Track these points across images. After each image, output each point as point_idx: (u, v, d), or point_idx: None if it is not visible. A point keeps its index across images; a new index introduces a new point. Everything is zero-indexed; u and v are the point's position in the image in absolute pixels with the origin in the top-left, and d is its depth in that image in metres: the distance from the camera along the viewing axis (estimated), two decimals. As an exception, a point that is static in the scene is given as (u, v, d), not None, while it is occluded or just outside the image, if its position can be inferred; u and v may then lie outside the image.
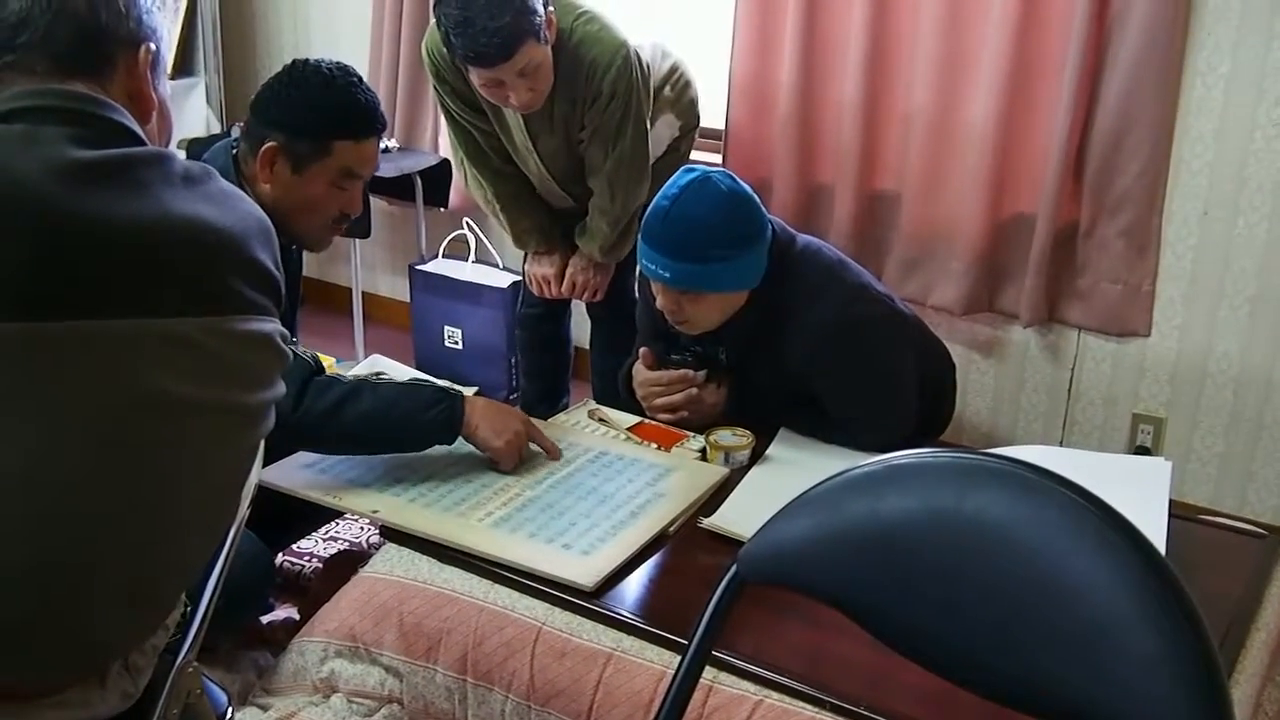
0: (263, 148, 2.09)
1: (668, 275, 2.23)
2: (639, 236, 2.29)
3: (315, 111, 2.10)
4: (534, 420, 2.29)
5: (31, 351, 1.17)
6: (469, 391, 2.30)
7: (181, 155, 1.35)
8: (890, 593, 1.15)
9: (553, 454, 2.23)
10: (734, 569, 1.25)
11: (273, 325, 1.36)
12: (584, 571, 1.88)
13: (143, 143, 1.32)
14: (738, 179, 2.27)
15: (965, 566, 1.10)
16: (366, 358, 3.91)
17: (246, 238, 1.33)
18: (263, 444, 1.41)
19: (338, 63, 2.17)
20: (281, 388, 1.40)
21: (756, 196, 2.28)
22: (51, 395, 1.17)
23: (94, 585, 1.22)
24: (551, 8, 2.60)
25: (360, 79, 2.17)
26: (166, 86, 1.43)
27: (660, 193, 2.26)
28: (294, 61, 2.18)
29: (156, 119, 1.40)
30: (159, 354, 1.22)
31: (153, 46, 1.37)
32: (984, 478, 1.11)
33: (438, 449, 2.19)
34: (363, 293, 4.04)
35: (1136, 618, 1.00)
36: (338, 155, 2.11)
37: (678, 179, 2.24)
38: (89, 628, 1.24)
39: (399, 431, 2.12)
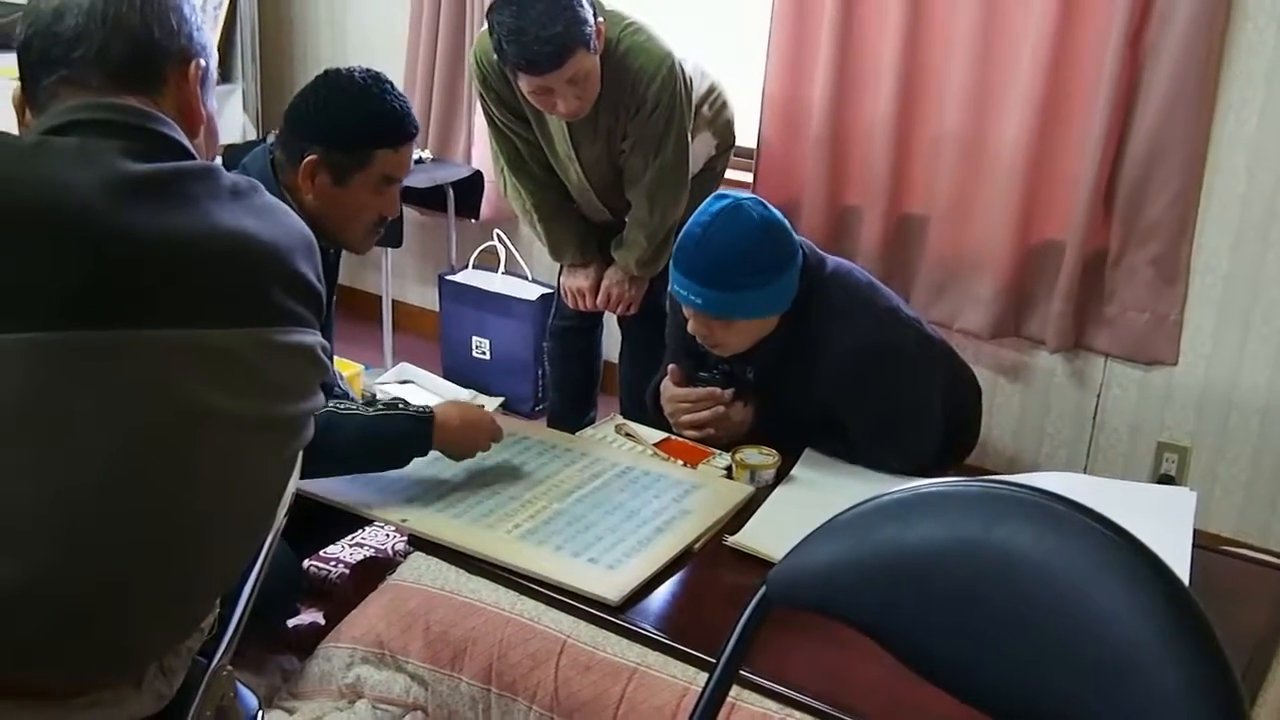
0: (303, 160, 2.12)
1: (700, 302, 2.25)
2: (670, 261, 2.31)
3: (354, 124, 2.13)
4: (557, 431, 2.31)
5: (79, 358, 1.20)
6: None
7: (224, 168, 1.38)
8: (917, 619, 1.17)
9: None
10: (763, 591, 1.27)
11: (314, 337, 1.39)
12: (610, 586, 1.90)
13: (192, 156, 1.35)
14: (769, 205, 2.29)
15: (992, 595, 1.11)
16: (395, 366, 3.96)
17: (290, 251, 1.36)
18: (300, 454, 1.44)
19: (369, 70, 2.19)
20: (321, 399, 1.43)
21: (787, 221, 2.30)
22: (95, 403, 1.20)
23: (132, 592, 1.25)
24: (602, 18, 2.64)
25: (391, 84, 2.19)
26: (215, 101, 1.47)
27: (692, 219, 2.28)
28: (326, 72, 2.21)
29: (205, 133, 1.44)
30: (202, 365, 1.25)
31: (203, 62, 1.41)
32: (1012, 508, 1.13)
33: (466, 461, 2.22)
34: (392, 301, 4.07)
35: (1161, 653, 1.01)
36: (378, 164, 2.15)
37: (709, 206, 2.27)
38: (126, 632, 1.26)
39: (379, 454, 2.15)
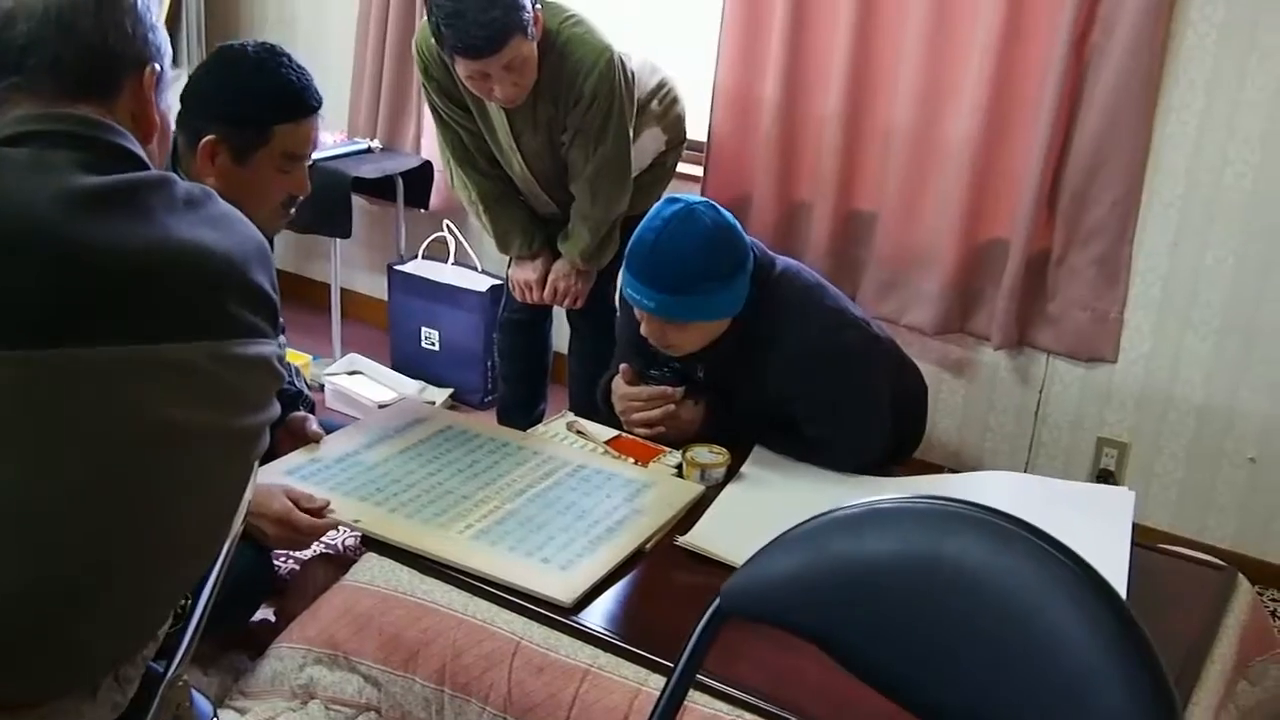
0: (201, 141, 2.04)
1: (652, 306, 2.27)
2: (623, 265, 2.32)
3: (250, 99, 2.06)
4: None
5: (31, 379, 1.19)
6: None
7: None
8: (869, 633, 1.19)
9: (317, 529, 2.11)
10: (717, 603, 1.29)
11: (271, 348, 1.39)
12: (562, 587, 1.92)
13: (146, 166, 1.34)
14: (721, 209, 2.31)
15: (942, 611, 1.14)
16: (344, 355, 3.95)
17: (246, 261, 1.36)
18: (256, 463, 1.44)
19: (264, 44, 2.13)
20: (277, 409, 1.43)
21: (738, 224, 2.32)
22: (50, 421, 1.20)
23: (88, 605, 1.25)
24: (539, 6, 2.64)
25: (289, 57, 2.12)
26: (170, 99, 1.46)
27: (643, 224, 2.29)
28: (219, 48, 2.15)
29: (158, 138, 1.43)
30: (159, 380, 1.25)
31: (157, 66, 1.39)
32: (964, 526, 1.16)
33: (415, 459, 2.22)
34: (341, 289, 4.05)
35: (1106, 671, 1.05)
36: (278, 140, 2.07)
37: (661, 210, 2.28)
38: (82, 644, 1.26)
39: None
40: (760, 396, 2.40)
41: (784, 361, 2.33)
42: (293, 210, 2.20)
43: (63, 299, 1.20)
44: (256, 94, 2.06)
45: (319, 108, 2.15)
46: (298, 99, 2.10)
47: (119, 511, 1.24)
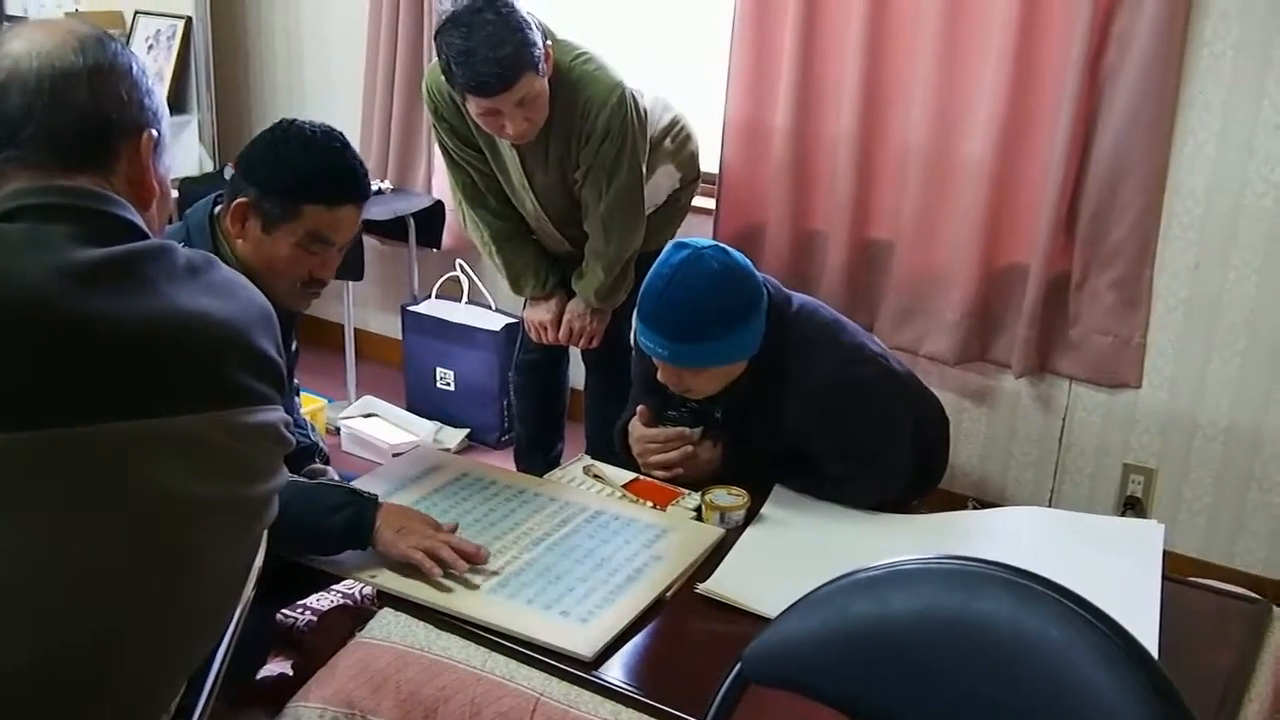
0: (234, 202, 2.06)
1: (666, 354, 2.25)
2: (635, 311, 2.30)
3: (288, 172, 2.06)
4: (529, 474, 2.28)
5: (36, 459, 1.17)
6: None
7: (181, 247, 1.34)
8: (894, 697, 1.16)
9: (476, 558, 2.04)
10: (738, 668, 1.25)
11: (277, 414, 1.37)
12: (582, 641, 1.88)
13: (145, 235, 1.32)
14: (730, 251, 2.28)
15: (970, 676, 1.11)
16: (359, 397, 3.93)
17: (249, 327, 1.34)
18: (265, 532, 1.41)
19: (325, 126, 2.13)
20: (285, 476, 1.41)
21: (749, 263, 2.29)
22: (57, 500, 1.18)
23: (98, 680, 1.22)
24: (550, 42, 2.63)
25: (345, 144, 2.12)
26: (168, 165, 1.44)
27: (652, 271, 2.27)
28: (282, 121, 2.15)
29: (157, 203, 1.41)
30: (165, 453, 1.23)
31: (154, 132, 1.37)
32: (988, 587, 1.13)
33: (431, 509, 2.19)
34: (355, 330, 4.04)
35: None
36: (307, 218, 2.06)
37: (669, 257, 2.25)
38: None
39: (295, 536, 1.89)
40: (779, 435, 2.36)
41: (803, 399, 2.30)
42: (317, 293, 2.17)
43: (61, 375, 1.18)
44: (297, 169, 2.06)
45: (362, 200, 2.13)
46: (336, 183, 2.08)
47: (127, 587, 1.22)
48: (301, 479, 2.08)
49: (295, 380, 2.35)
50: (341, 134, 2.14)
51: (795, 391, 2.31)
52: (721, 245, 2.29)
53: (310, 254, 2.09)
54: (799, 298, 2.42)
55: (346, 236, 2.13)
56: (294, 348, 2.32)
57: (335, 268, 2.16)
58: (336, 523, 2.02)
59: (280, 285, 2.09)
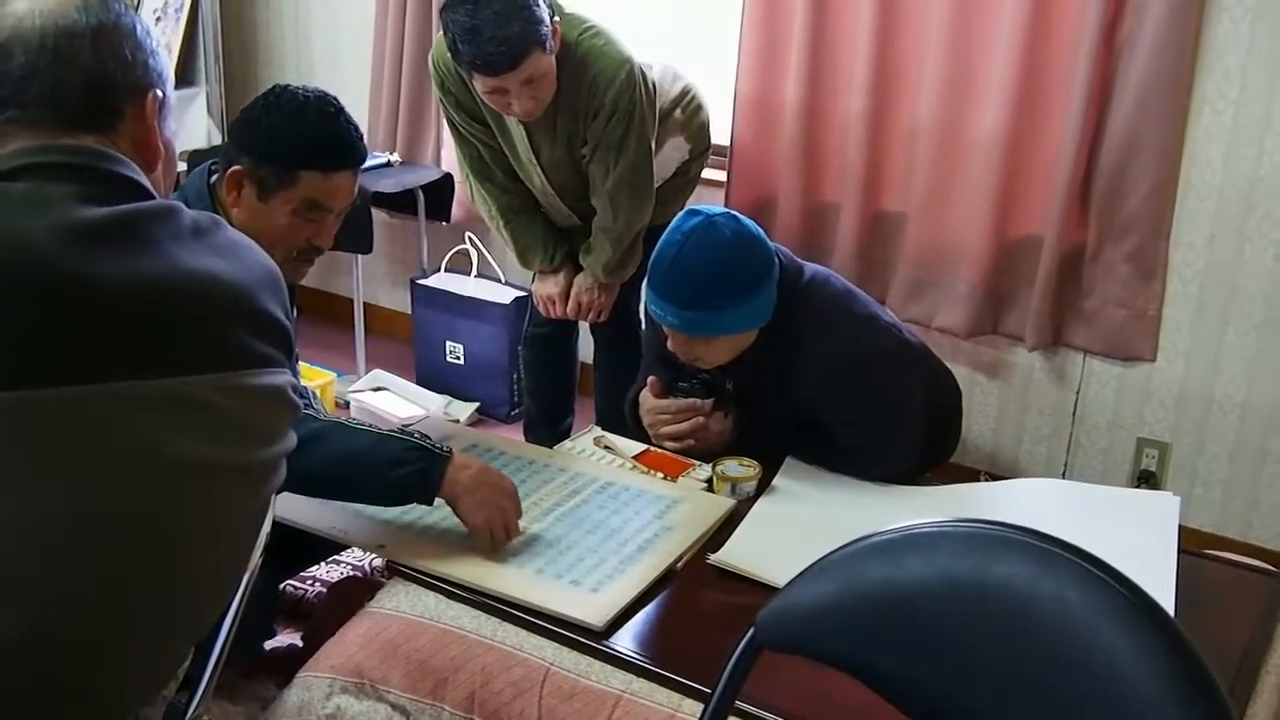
0: (229, 170, 2.03)
1: (676, 322, 2.23)
2: (645, 281, 2.28)
3: (283, 139, 2.02)
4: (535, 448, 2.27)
5: (30, 420, 1.15)
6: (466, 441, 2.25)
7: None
8: (910, 663, 1.14)
9: (512, 530, 2.04)
10: (751, 633, 1.24)
11: (284, 377, 1.35)
12: (593, 610, 1.87)
13: (151, 195, 1.30)
14: (742, 218, 2.25)
15: (987, 640, 1.09)
16: (368, 371, 3.92)
17: (256, 289, 1.32)
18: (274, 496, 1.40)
19: (319, 91, 2.10)
20: (293, 440, 1.40)
21: (761, 231, 2.27)
22: (52, 460, 1.16)
23: (107, 649, 1.21)
24: (558, 18, 2.60)
25: (340, 109, 2.08)
26: (173, 125, 1.42)
27: (663, 239, 2.24)
28: (275, 86, 2.12)
29: (162, 165, 1.39)
30: (171, 415, 1.21)
31: (159, 93, 1.35)
32: (1005, 550, 1.11)
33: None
34: (365, 304, 4.03)
35: (1161, 700, 0.99)
36: (303, 185, 2.03)
37: (680, 225, 2.23)
38: (103, 689, 1.22)
39: (360, 485, 1.98)
40: (791, 405, 2.35)
41: (815, 368, 2.28)
42: (313, 261, 2.14)
43: (63, 335, 1.16)
44: (292, 135, 2.03)
45: (358, 165, 2.10)
46: (332, 150, 2.05)
47: (130, 552, 1.20)
48: (369, 427, 2.03)
49: (296, 350, 2.34)
50: (335, 98, 2.10)
51: (808, 360, 2.29)
52: (734, 213, 2.27)
53: (308, 221, 2.06)
54: (811, 267, 2.40)
55: (344, 203, 2.10)
56: (294, 315, 2.31)
57: (333, 235, 2.13)
58: (400, 476, 1.96)
59: (277, 254, 2.04)
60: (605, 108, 2.70)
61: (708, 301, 2.19)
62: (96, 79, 1.28)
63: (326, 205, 2.06)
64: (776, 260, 2.28)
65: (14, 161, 1.23)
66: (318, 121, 2.05)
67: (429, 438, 2.02)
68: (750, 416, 2.42)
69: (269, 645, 2.39)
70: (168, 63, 1.41)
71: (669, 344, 2.30)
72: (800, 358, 2.29)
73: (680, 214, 2.27)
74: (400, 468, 1.96)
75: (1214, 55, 2.82)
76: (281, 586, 2.55)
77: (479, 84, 2.61)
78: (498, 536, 2.01)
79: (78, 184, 1.23)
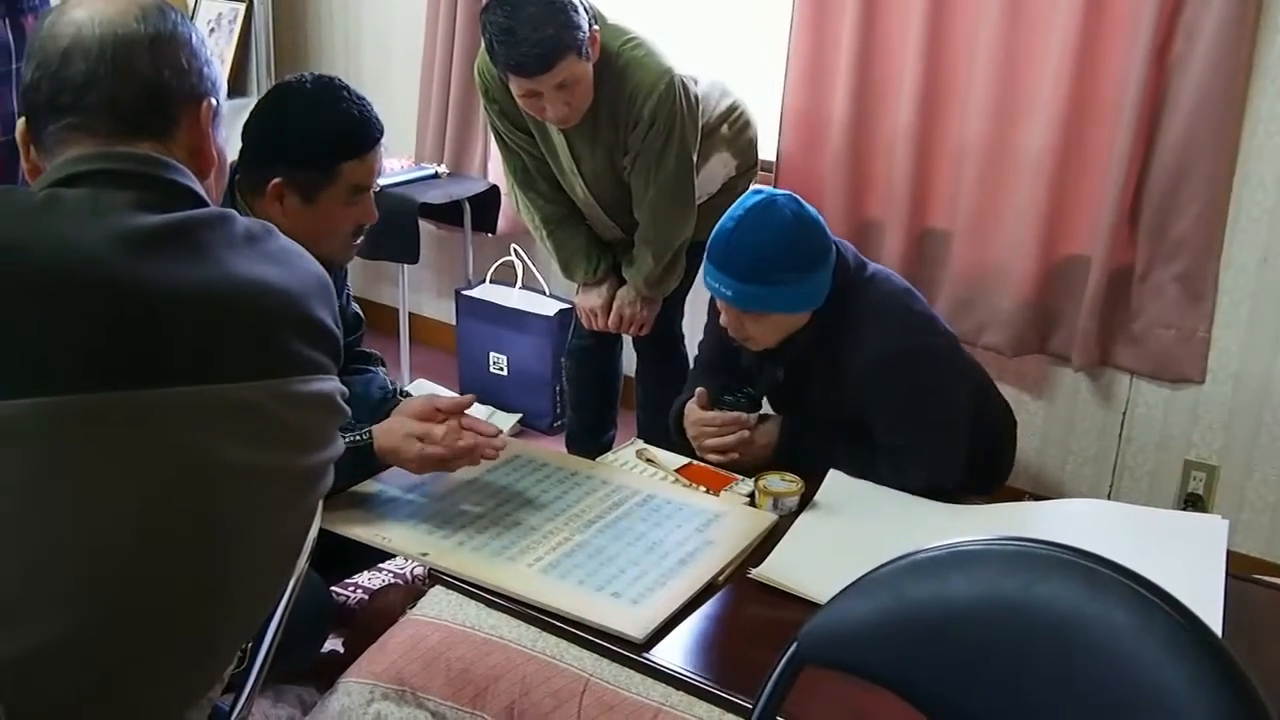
0: (269, 184, 2.04)
1: (730, 294, 2.27)
2: (704, 255, 2.31)
3: (313, 140, 2.04)
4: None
5: (96, 422, 1.16)
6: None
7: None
8: (955, 681, 1.14)
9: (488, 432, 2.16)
10: (794, 648, 1.24)
11: (333, 384, 1.36)
12: (634, 622, 1.87)
13: (205, 202, 1.32)
14: (803, 202, 2.29)
15: (1033, 660, 1.09)
16: (412, 381, 3.94)
17: (307, 297, 1.34)
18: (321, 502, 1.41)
19: (321, 77, 2.11)
20: (340, 446, 1.41)
21: (822, 219, 2.30)
22: (115, 466, 1.17)
23: (157, 653, 1.22)
24: (598, 26, 2.61)
25: (347, 89, 2.10)
26: (225, 133, 1.44)
27: (725, 215, 2.29)
28: (277, 85, 2.13)
29: (215, 173, 1.41)
30: (222, 421, 1.22)
31: (213, 101, 1.37)
32: (1052, 569, 1.10)
33: (482, 489, 2.21)
34: (409, 314, 4.05)
35: (1209, 723, 0.98)
36: (346, 176, 2.07)
37: (743, 200, 2.28)
38: (151, 693, 1.24)
39: None
40: (838, 398, 2.35)
41: (865, 362, 2.29)
42: (360, 238, 2.19)
43: (122, 343, 1.18)
44: (321, 134, 2.05)
45: (381, 137, 2.13)
46: (361, 134, 2.08)
47: (182, 557, 1.22)
48: None
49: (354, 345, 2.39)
50: (335, 78, 2.11)
51: (859, 355, 2.30)
52: (795, 195, 2.30)
53: (353, 205, 2.11)
54: (875, 266, 2.43)
55: (379, 175, 2.16)
56: (352, 309, 2.41)
57: (374, 209, 2.17)
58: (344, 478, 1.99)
59: (334, 244, 2.11)
60: (645, 118, 2.71)
61: (763, 276, 2.23)
62: (153, 87, 1.30)
63: (366, 185, 2.12)
64: (834, 249, 2.31)
65: (72, 168, 1.25)
66: (335, 111, 2.07)
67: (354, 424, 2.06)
68: (796, 410, 2.42)
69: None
70: (221, 72, 1.43)
71: (721, 319, 2.35)
72: (853, 348, 2.30)
73: (745, 193, 2.31)
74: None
75: (1268, 76, 2.79)
76: (325, 594, 2.56)
77: (513, 86, 2.62)
78: (452, 467, 2.14)
79: (135, 191, 1.25)
